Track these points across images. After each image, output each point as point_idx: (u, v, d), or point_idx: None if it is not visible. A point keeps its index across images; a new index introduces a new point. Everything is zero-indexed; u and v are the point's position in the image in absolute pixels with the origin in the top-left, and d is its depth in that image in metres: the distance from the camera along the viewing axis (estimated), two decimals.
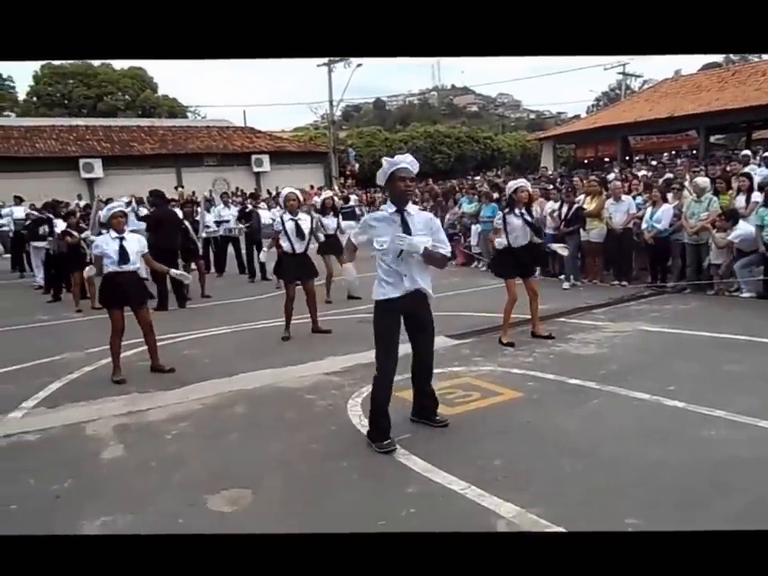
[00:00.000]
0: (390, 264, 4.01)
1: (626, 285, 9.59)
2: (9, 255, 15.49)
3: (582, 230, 9.93)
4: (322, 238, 8.63)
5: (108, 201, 14.71)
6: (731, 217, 8.40)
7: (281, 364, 6.05)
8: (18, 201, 14.95)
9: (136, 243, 5.85)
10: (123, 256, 5.68)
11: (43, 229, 10.90)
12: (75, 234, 9.57)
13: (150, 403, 5.08)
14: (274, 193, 25.89)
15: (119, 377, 5.70)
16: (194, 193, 22.98)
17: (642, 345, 6.36)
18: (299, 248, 7.17)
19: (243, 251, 12.73)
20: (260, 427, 4.50)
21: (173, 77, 71.69)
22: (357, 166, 35.10)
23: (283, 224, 7.12)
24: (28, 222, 12.13)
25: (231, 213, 12.84)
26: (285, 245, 7.15)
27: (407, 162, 4.06)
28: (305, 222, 7.25)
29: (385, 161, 4.13)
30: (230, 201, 14.18)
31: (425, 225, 4.11)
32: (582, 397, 4.84)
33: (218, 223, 12.35)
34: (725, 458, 3.59)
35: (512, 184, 6.89)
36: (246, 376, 5.70)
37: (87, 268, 6.37)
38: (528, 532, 2.88)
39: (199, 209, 11.60)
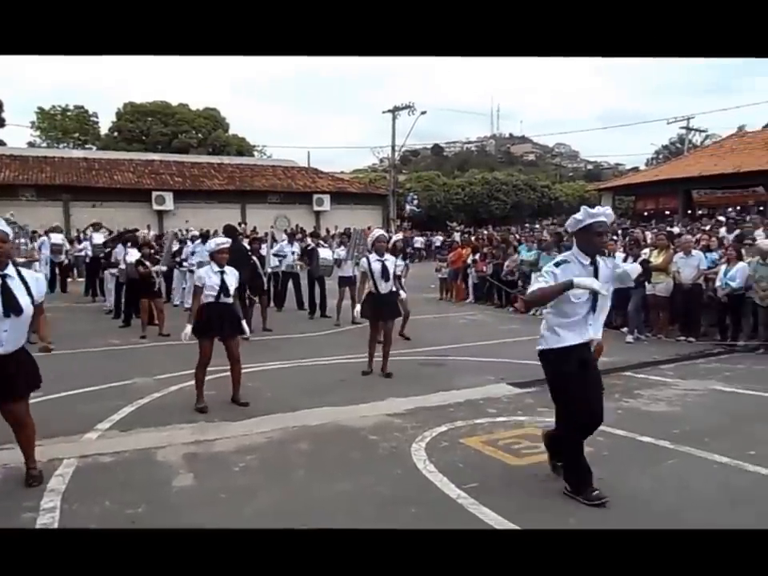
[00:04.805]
0: (578, 311, 3.84)
1: (692, 341, 9.32)
2: (82, 279, 16.12)
3: (647, 283, 9.72)
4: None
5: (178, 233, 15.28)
6: None
7: (342, 402, 6.07)
8: (98, 227, 15.48)
9: (233, 278, 6.02)
10: (224, 289, 5.89)
11: (115, 257, 11.33)
12: (148, 264, 9.88)
13: (218, 433, 5.15)
14: (333, 231, 26.39)
15: (202, 404, 5.83)
16: (254, 228, 23.55)
17: (716, 405, 6.14)
18: (384, 288, 7.25)
19: (304, 287, 12.89)
20: (325, 466, 4.49)
21: (244, 117, 74.41)
22: (420, 210, 35.42)
23: (369, 265, 7.22)
24: (107, 250, 12.61)
25: (293, 249, 13.08)
26: (369, 284, 7.27)
27: (606, 214, 3.87)
28: (391, 263, 7.31)
29: (584, 210, 3.89)
30: (296, 239, 14.43)
31: (608, 273, 3.95)
32: (656, 456, 4.68)
33: (279, 259, 12.55)
34: None
35: None
36: (308, 412, 5.74)
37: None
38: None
39: (264, 245, 11.85)
